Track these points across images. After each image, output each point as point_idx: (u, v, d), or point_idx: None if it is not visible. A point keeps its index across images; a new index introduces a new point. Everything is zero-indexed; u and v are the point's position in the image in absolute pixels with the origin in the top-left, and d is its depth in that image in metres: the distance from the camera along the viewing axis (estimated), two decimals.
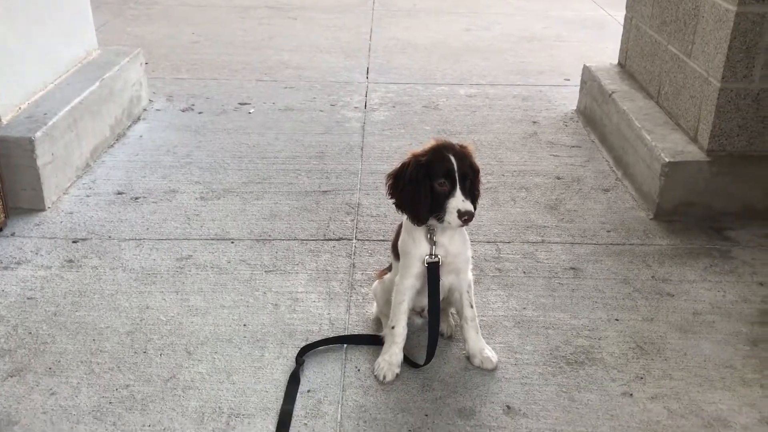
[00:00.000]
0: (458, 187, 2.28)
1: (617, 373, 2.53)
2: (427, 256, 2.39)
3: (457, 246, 2.42)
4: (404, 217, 2.42)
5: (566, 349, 2.65)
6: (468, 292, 2.51)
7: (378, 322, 2.75)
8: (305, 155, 4.21)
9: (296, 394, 2.38)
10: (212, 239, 3.32)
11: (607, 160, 4.17)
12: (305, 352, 2.56)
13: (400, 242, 2.47)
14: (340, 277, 3.05)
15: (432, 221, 2.34)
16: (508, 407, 2.38)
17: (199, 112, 4.82)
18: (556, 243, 3.34)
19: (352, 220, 3.50)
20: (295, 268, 3.10)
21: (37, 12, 3.78)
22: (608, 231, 3.44)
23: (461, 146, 2.37)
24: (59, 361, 2.53)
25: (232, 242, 3.29)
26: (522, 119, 4.79)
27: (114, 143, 4.30)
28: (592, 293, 2.98)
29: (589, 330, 2.76)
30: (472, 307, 2.53)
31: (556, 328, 2.76)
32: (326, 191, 3.78)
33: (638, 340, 2.70)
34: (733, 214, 3.51)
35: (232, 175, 3.95)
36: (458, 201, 2.27)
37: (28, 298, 2.87)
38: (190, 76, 5.50)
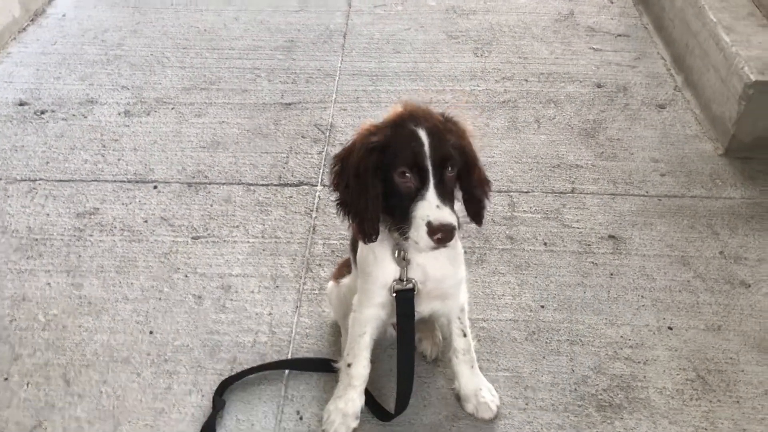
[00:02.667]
0: (431, 183, 1.40)
1: (668, 425, 1.78)
2: (396, 282, 1.56)
3: (441, 266, 1.58)
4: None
5: (598, 381, 1.88)
6: (460, 318, 1.71)
7: (337, 328, 1.98)
8: (269, 45, 3.25)
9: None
10: (129, 181, 2.48)
11: (663, 58, 3.18)
12: (226, 387, 1.82)
13: (358, 255, 1.63)
14: (293, 249, 2.24)
15: (393, 235, 1.49)
16: None
17: None
18: (592, 194, 2.47)
19: (320, 152, 2.63)
20: (233, 233, 2.29)
21: None
22: (662, 174, 2.55)
23: (447, 118, 1.47)
24: None
25: (155, 187, 2.46)
26: None
27: (27, 25, 3.35)
28: (638, 280, 2.16)
29: (631, 347, 1.97)
30: (465, 335, 1.73)
31: (586, 342, 1.98)
32: (290, 104, 2.88)
33: (699, 365, 1.92)
34: None
35: (170, 76, 3.03)
36: (429, 206, 1.39)
37: None
38: None
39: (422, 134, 1.41)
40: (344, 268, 1.85)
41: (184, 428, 1.75)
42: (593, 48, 3.25)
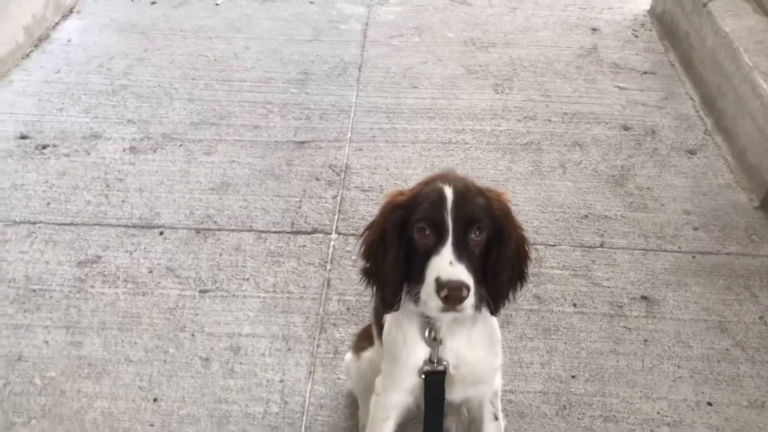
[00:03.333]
0: (449, 240, 1.26)
1: None
2: (425, 363, 1.43)
3: (477, 348, 1.45)
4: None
5: None
6: (492, 402, 1.57)
7: (354, 399, 1.84)
8: (282, 77, 3.13)
9: None
10: (134, 226, 2.36)
11: (692, 99, 3.06)
12: None
13: (384, 333, 1.50)
14: (306, 306, 2.10)
15: (409, 302, 1.36)
16: None
17: (153, 2, 3.68)
18: (622, 249, 2.34)
19: (335, 197, 2.50)
20: (243, 287, 2.15)
21: None
22: (695, 228, 2.42)
23: (488, 190, 1.35)
24: None
25: (162, 233, 2.33)
26: (578, 23, 3.61)
27: (31, 51, 3.24)
28: (674, 348, 2.03)
29: (668, 424, 1.83)
30: (497, 419, 1.59)
31: (620, 418, 1.84)
32: (303, 142, 2.75)
33: None
34: None
35: (178, 109, 2.91)
36: (441, 262, 1.26)
37: None
38: None
39: (447, 191, 1.28)
40: (364, 340, 1.72)
41: None
42: (619, 87, 3.13)
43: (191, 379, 1.89)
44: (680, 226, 2.43)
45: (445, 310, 1.27)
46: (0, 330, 2.01)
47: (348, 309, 2.10)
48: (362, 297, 2.08)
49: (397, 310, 1.37)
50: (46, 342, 1.98)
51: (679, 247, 2.35)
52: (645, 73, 3.23)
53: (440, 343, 1.42)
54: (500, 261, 1.35)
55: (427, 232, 1.28)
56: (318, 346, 1.99)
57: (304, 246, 2.30)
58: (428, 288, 1.27)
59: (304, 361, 1.95)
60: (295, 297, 2.13)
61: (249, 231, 2.35)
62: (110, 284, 2.15)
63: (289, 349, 1.98)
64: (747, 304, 2.16)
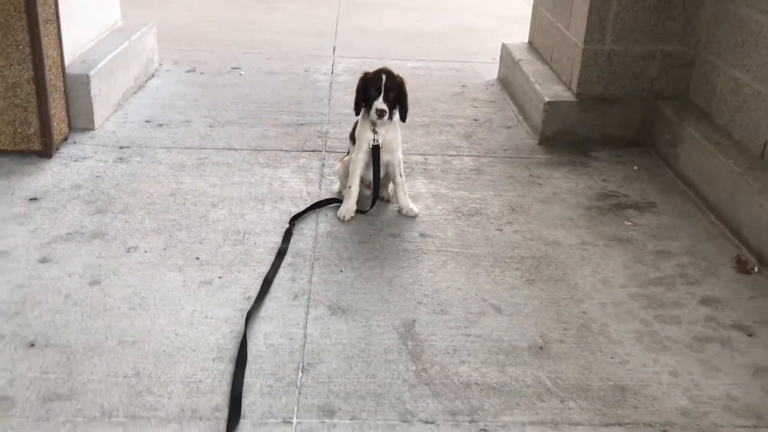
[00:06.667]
0: (382, 94, 3.60)
1: (494, 220, 3.89)
2: (371, 141, 3.73)
3: (390, 134, 3.76)
4: (359, 117, 3.75)
5: (464, 208, 4.00)
6: (398, 165, 3.85)
7: (339, 194, 4.06)
8: (286, 102, 5.52)
9: (292, 232, 3.67)
10: (221, 149, 4.61)
11: (513, 110, 5.57)
12: (294, 219, 3.82)
13: (356, 132, 3.80)
14: (314, 171, 4.36)
15: (367, 116, 3.68)
16: (422, 234, 3.72)
17: (201, 73, 6.10)
18: (467, 156, 4.70)
19: (322, 141, 4.83)
20: (282, 165, 4.41)
21: None
22: (505, 150, 4.82)
23: (399, 76, 3.71)
24: (127, 207, 3.80)
25: (236, 150, 4.59)
26: (454, 84, 6.17)
27: (137, 91, 5.56)
28: (487, 182, 4.34)
29: (480, 200, 4.11)
30: (401, 176, 3.86)
31: (459, 199, 4.11)
32: (302, 124, 5.11)
33: (512, 205, 4.07)
34: (595, 141, 4.91)
35: (231, 113, 5.24)
36: (378, 101, 3.59)
37: (96, 176, 4.13)
38: (189, 48, 6.77)
39: (383, 74, 3.64)
40: (341, 160, 4.00)
41: (275, 216, 3.78)
42: (474, 106, 5.63)
43: (264, 188, 4.07)
44: (497, 150, 4.82)
45: (379, 117, 3.61)
46: (168, 177, 4.18)
47: (333, 172, 4.35)
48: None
49: (358, 115, 3.69)
50: (192, 179, 4.17)
51: (495, 156, 4.71)
52: (489, 101, 5.76)
53: (376, 132, 3.72)
54: (402, 102, 3.71)
55: (374, 90, 3.64)
56: (321, 180, 4.22)
57: (309, 155, 4.58)
58: (372, 110, 3.61)
59: (315, 185, 4.16)
60: (307, 169, 4.38)
61: (280, 150, 4.62)
62: (215, 165, 4.35)
63: (308, 182, 4.20)
64: (524, 171, 4.51)
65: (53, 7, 4.18)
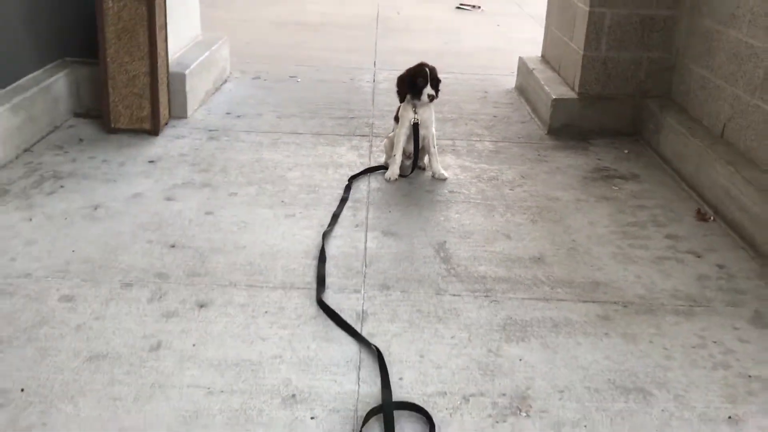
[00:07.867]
0: (429, 83, 4.72)
1: (508, 183, 4.94)
2: (412, 119, 4.82)
3: (426, 114, 4.86)
4: (403, 102, 4.86)
5: (484, 175, 5.06)
6: (433, 139, 4.93)
7: (385, 163, 5.14)
8: (337, 102, 6.66)
9: (351, 186, 4.75)
10: (289, 133, 5.74)
11: (527, 110, 6.65)
12: (352, 179, 4.91)
13: (399, 113, 4.91)
14: (364, 149, 5.46)
15: (413, 100, 4.78)
16: (450, 191, 4.79)
17: (264, 80, 7.28)
18: (488, 141, 5.78)
19: (369, 129, 5.94)
20: (339, 144, 5.52)
21: (181, 2, 6.27)
22: (519, 137, 5.89)
23: (433, 67, 4.82)
24: (223, 169, 4.92)
25: (301, 134, 5.71)
26: (478, 90, 7.28)
27: (215, 92, 6.74)
28: (503, 159, 5.40)
29: (497, 170, 5.17)
30: (434, 147, 4.95)
31: (480, 169, 5.18)
32: (352, 117, 6.23)
33: (523, 174, 5.12)
34: (593, 131, 5.96)
35: (293, 109, 6.39)
36: (429, 89, 4.71)
37: (195, 149, 5.27)
38: (252, 61, 7.97)
39: (427, 69, 4.76)
40: (386, 136, 5.10)
41: (337, 177, 4.87)
42: (494, 107, 6.72)
43: (326, 158, 5.18)
44: (513, 137, 5.88)
45: (430, 101, 4.73)
46: (250, 152, 5.31)
47: (380, 149, 5.43)
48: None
49: (403, 101, 4.80)
50: (268, 153, 5.29)
51: (511, 141, 5.78)
52: (508, 103, 6.84)
53: (416, 113, 4.82)
54: (437, 87, 4.83)
55: (421, 79, 4.75)
56: (371, 154, 5.31)
57: (360, 139, 5.68)
58: (424, 95, 4.71)
59: (366, 158, 5.26)
60: (359, 147, 5.48)
61: (337, 135, 5.73)
62: (286, 144, 5.48)
63: (361, 156, 5.30)
64: (533, 152, 5.57)
65: (164, 17, 5.37)
